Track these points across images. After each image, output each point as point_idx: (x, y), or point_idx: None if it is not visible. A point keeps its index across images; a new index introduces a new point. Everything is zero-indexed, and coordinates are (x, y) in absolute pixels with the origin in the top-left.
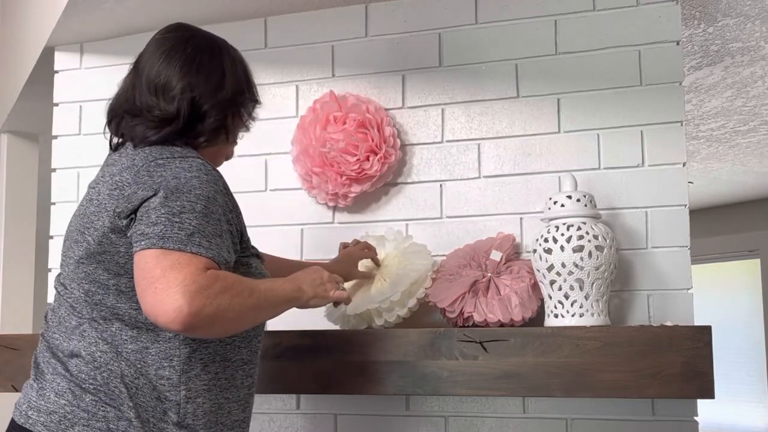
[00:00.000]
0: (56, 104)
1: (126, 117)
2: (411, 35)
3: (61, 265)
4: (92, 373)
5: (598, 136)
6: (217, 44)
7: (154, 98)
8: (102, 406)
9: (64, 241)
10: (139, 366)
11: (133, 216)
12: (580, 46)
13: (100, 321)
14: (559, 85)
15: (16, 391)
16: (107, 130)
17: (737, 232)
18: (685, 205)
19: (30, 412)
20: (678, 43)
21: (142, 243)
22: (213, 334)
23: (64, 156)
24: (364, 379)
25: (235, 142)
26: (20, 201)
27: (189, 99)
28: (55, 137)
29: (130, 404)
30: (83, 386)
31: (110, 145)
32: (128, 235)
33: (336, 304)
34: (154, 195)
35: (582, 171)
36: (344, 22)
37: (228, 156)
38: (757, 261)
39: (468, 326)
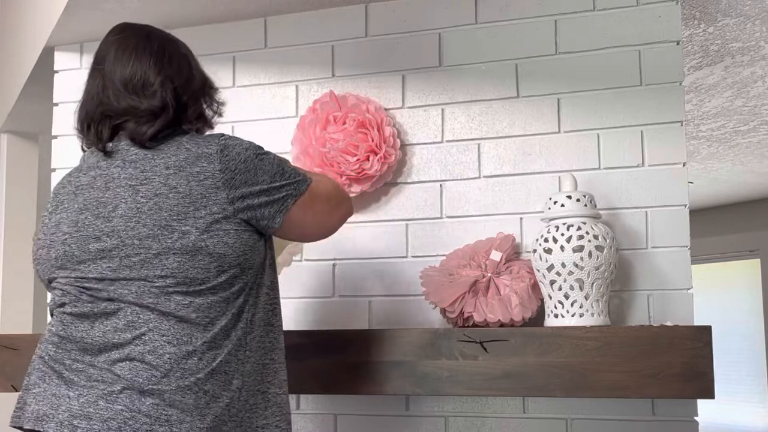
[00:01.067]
0: (56, 104)
1: (106, 119)
2: (411, 35)
3: (89, 272)
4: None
5: (598, 136)
6: (171, 37)
7: (135, 97)
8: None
9: (89, 245)
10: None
11: (245, 195)
12: (580, 46)
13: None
14: (559, 85)
15: (16, 390)
16: (84, 135)
17: (737, 232)
18: (685, 205)
19: (75, 421)
20: (678, 43)
21: (289, 200)
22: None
23: (64, 156)
24: (364, 379)
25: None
26: (20, 201)
27: (171, 89)
28: (55, 137)
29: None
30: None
31: (83, 149)
32: (248, 213)
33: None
34: (254, 172)
35: (582, 171)
36: (344, 22)
37: None
38: (757, 261)
39: (468, 326)
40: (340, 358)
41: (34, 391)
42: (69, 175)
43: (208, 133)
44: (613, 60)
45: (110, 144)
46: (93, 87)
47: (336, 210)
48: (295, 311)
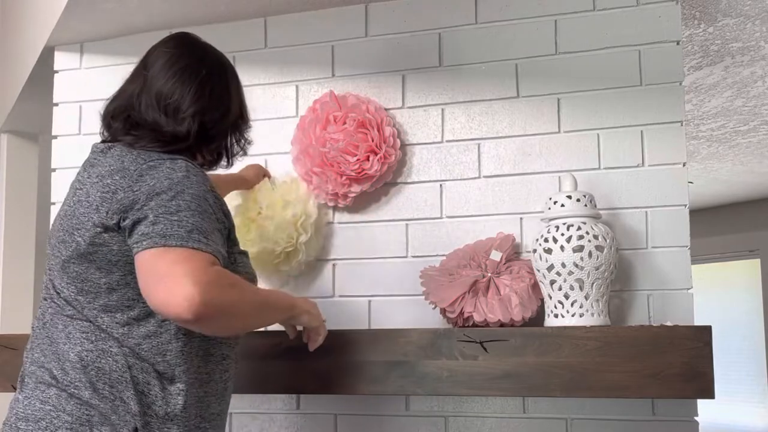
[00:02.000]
0: (56, 104)
1: (126, 124)
2: (411, 35)
3: (48, 267)
4: (78, 375)
5: (598, 136)
6: (225, 66)
7: (163, 116)
8: (86, 409)
9: (49, 241)
10: (129, 362)
11: (125, 216)
12: (580, 46)
13: (89, 320)
14: (559, 85)
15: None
16: (102, 126)
17: (737, 232)
18: (685, 205)
19: (19, 423)
20: (678, 43)
21: (144, 243)
22: (218, 327)
23: (64, 156)
24: (364, 379)
25: (231, 164)
26: (20, 201)
27: (199, 123)
28: (55, 137)
29: (118, 400)
30: (68, 390)
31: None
32: (124, 234)
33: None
34: (149, 197)
35: (582, 171)
36: (344, 22)
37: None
38: (757, 261)
39: (468, 326)
40: (340, 358)
41: None
42: (81, 167)
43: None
44: (613, 60)
45: (109, 143)
46: (130, 87)
47: (155, 287)
48: None
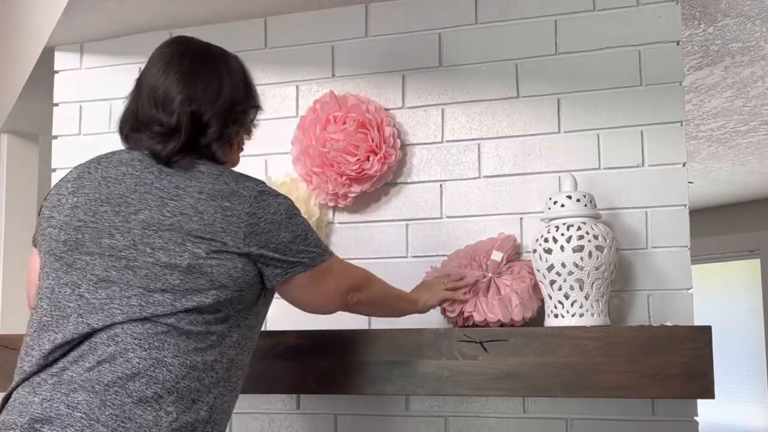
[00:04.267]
0: (56, 104)
1: (132, 131)
2: (411, 35)
3: (95, 266)
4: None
5: (598, 136)
6: (212, 53)
7: (155, 110)
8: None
9: (125, 249)
10: (184, 372)
11: (259, 245)
12: (580, 46)
13: (151, 328)
14: (559, 85)
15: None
16: (121, 137)
17: (737, 232)
18: (685, 205)
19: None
20: (678, 43)
21: (299, 267)
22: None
23: (64, 156)
24: (364, 379)
25: (241, 149)
26: (20, 201)
27: (189, 112)
28: (55, 137)
29: (171, 409)
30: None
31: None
32: (257, 260)
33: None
34: (278, 227)
35: (582, 171)
36: (344, 22)
37: (234, 163)
38: (757, 261)
39: (468, 326)
40: (340, 358)
41: None
42: (97, 162)
43: (245, 173)
44: (613, 60)
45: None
46: (130, 97)
47: (341, 299)
48: (295, 311)
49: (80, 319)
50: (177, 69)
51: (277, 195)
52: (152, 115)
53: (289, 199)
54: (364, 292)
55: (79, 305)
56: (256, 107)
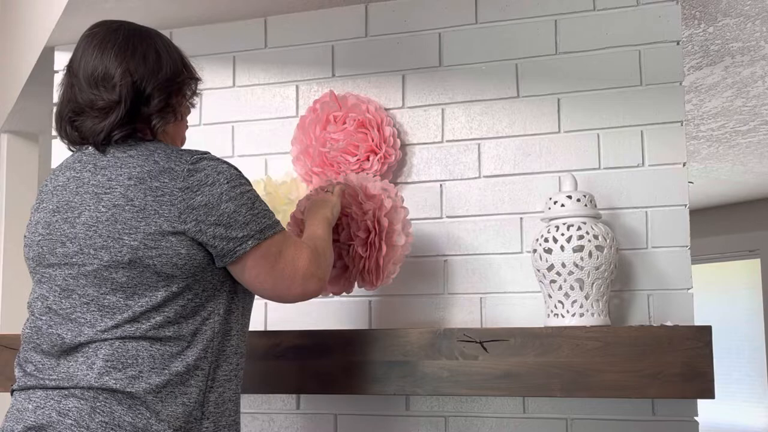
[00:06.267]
0: (56, 104)
1: (71, 117)
2: (411, 35)
3: (56, 277)
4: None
5: (598, 136)
6: (145, 29)
7: (96, 91)
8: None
9: (59, 252)
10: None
11: (198, 219)
12: (580, 46)
13: (127, 323)
14: (559, 85)
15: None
16: (60, 135)
17: (737, 232)
18: (685, 205)
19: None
20: (678, 43)
21: (248, 243)
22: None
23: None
24: (364, 379)
25: (185, 123)
26: (20, 201)
27: (130, 83)
28: (55, 137)
29: (161, 415)
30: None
31: (69, 149)
32: (200, 238)
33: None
34: (219, 197)
35: (582, 171)
36: (344, 22)
37: (183, 139)
38: (757, 261)
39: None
40: (340, 358)
41: None
42: (53, 172)
43: (185, 147)
44: (613, 60)
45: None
46: (64, 86)
47: (300, 281)
48: (295, 311)
49: (51, 330)
50: (113, 45)
51: (218, 163)
52: (93, 96)
53: (235, 167)
54: (318, 262)
55: (49, 317)
56: (196, 78)
